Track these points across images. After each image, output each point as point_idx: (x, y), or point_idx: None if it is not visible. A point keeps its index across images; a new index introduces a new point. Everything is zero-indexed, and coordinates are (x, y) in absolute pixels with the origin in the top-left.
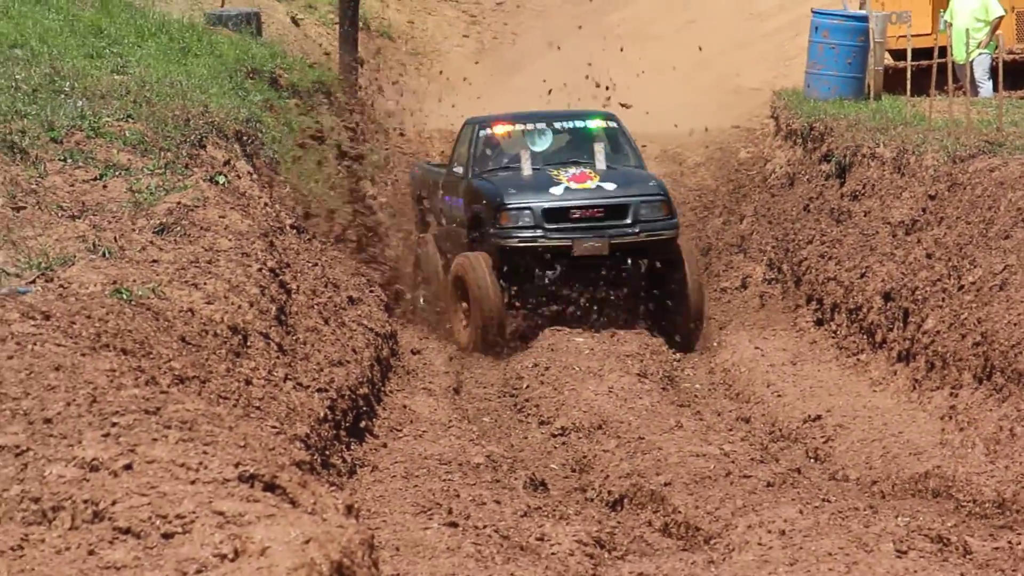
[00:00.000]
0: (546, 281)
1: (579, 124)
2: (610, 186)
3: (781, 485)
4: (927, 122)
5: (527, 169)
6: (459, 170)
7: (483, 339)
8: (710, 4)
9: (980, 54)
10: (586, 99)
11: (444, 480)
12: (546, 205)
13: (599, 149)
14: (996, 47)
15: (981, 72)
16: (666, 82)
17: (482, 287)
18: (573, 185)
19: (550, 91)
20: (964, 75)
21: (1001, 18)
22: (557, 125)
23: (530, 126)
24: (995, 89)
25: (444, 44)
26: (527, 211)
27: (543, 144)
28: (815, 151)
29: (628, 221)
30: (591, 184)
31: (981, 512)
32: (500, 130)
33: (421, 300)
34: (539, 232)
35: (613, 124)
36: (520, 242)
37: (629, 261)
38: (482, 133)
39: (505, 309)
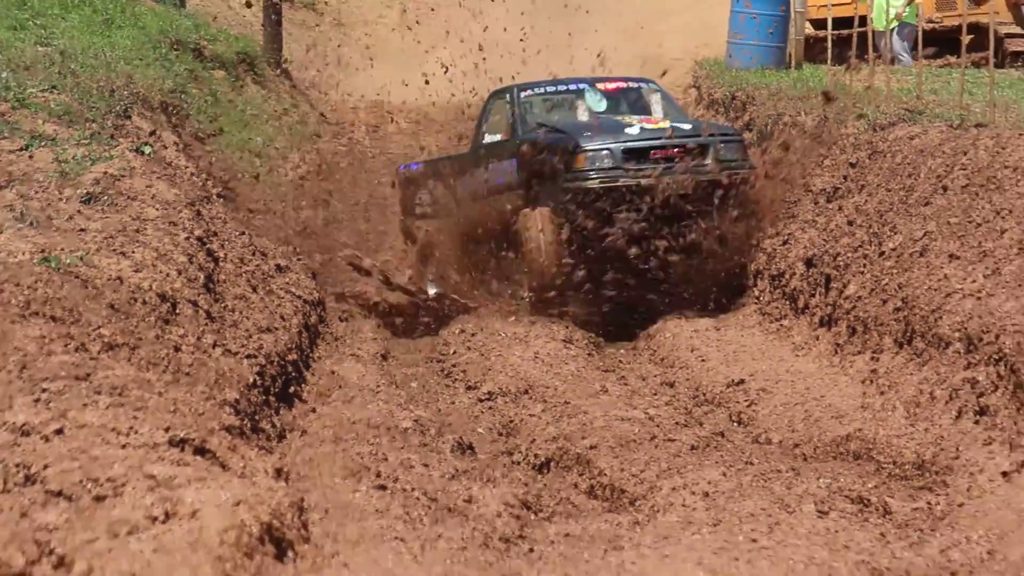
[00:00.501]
0: (627, 225)
1: (625, 85)
2: (686, 126)
3: (705, 448)
4: (848, 91)
5: (588, 117)
6: (497, 137)
7: (537, 299)
8: None
9: (900, 24)
10: (518, 65)
11: (372, 444)
12: (627, 144)
13: (655, 99)
14: (916, 16)
15: (900, 43)
16: (590, 53)
17: (536, 241)
18: (648, 126)
19: (484, 58)
20: (884, 44)
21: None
22: (600, 86)
23: (574, 87)
24: (914, 58)
25: (369, 15)
26: (606, 151)
27: (595, 104)
28: (737, 120)
29: (708, 161)
30: (664, 124)
31: (901, 474)
32: (539, 92)
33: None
34: (619, 171)
35: (655, 87)
36: (601, 183)
37: (711, 202)
38: (523, 95)
39: (561, 266)
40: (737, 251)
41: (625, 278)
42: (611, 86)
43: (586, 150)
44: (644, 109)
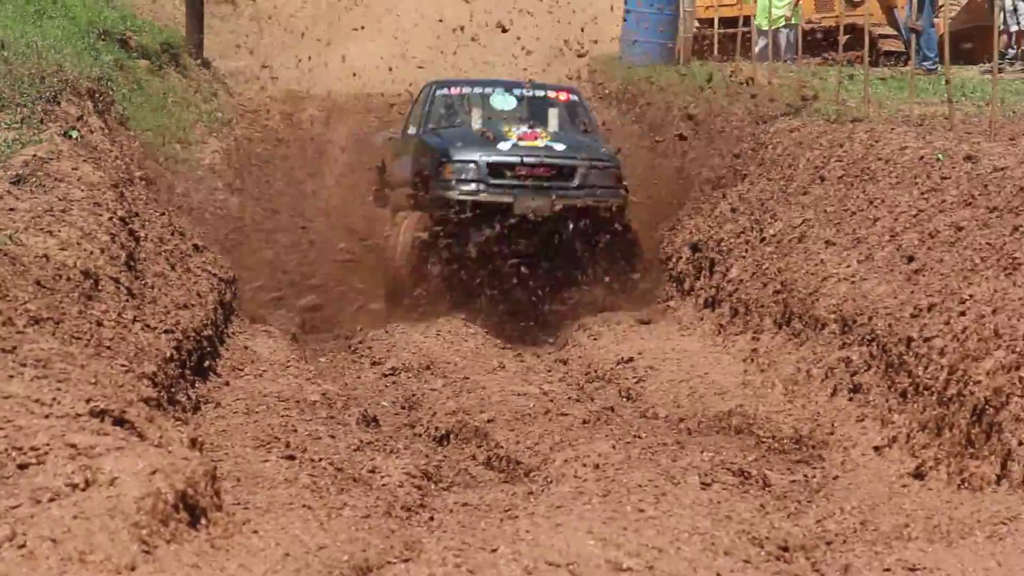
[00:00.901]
0: (483, 240)
1: (539, 92)
2: (560, 147)
3: (596, 422)
4: (733, 86)
5: (477, 125)
6: (412, 130)
7: (390, 301)
8: None
9: (782, 25)
10: (436, 55)
11: (282, 416)
12: (491, 159)
13: (554, 114)
14: (796, 17)
15: (784, 40)
16: (500, 45)
17: (398, 243)
18: (522, 143)
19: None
20: (768, 42)
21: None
22: (516, 91)
23: (489, 89)
24: (796, 56)
25: (285, 10)
26: (472, 164)
27: (504, 107)
28: (629, 112)
29: (574, 184)
30: (540, 143)
31: (779, 448)
32: (457, 91)
33: None
34: (482, 187)
35: (574, 97)
36: (461, 195)
37: (571, 226)
38: (439, 92)
39: (417, 272)
40: (603, 270)
41: (492, 285)
42: (527, 92)
43: (453, 161)
44: (545, 119)
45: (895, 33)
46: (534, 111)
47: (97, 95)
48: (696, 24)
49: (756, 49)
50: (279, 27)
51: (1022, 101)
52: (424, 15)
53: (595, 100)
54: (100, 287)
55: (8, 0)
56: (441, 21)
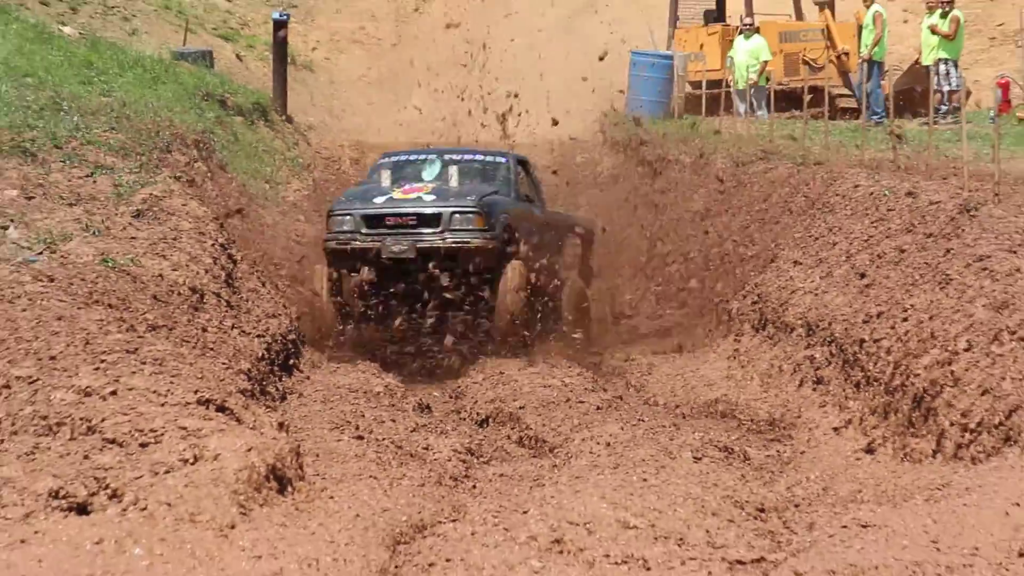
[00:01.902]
0: (360, 282)
1: (467, 157)
2: (429, 197)
3: (607, 408)
4: (717, 136)
5: (381, 183)
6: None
7: (320, 343)
8: (558, 48)
9: (755, 86)
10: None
11: (353, 404)
12: (364, 211)
13: (453, 172)
14: (768, 80)
15: (757, 98)
16: (521, 106)
17: (319, 292)
18: (397, 196)
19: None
20: (745, 100)
21: (767, 61)
22: (447, 157)
23: (423, 157)
24: (768, 111)
25: (354, 74)
26: (348, 216)
27: (431, 173)
28: (633, 157)
29: (438, 229)
30: (413, 196)
31: (757, 429)
32: (391, 159)
33: None
34: (356, 235)
35: (501, 160)
36: (337, 244)
37: (437, 268)
38: (380, 161)
39: (335, 315)
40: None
41: (393, 321)
42: (455, 157)
43: (334, 213)
44: (447, 177)
45: (850, 93)
46: (449, 174)
47: (201, 145)
48: (688, 84)
49: (737, 107)
50: (349, 88)
51: (953, 148)
52: (477, 81)
53: (606, 148)
54: (205, 300)
55: (130, 69)
56: (489, 94)
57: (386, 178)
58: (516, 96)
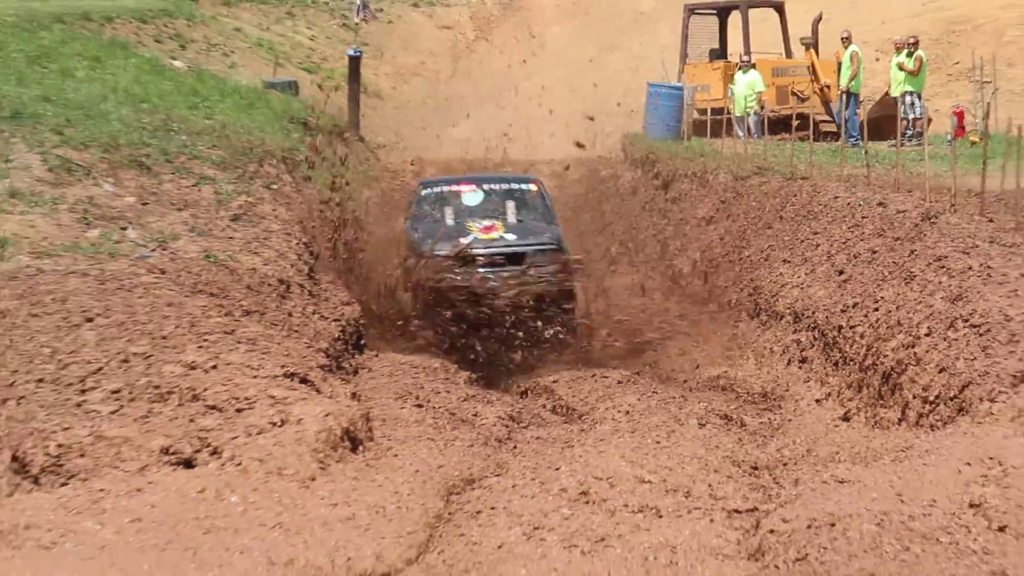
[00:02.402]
0: (458, 310)
1: (503, 186)
2: (511, 236)
3: (626, 383)
4: (720, 154)
5: (449, 221)
6: (406, 223)
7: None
8: (585, 80)
9: (753, 112)
10: (522, 132)
11: (414, 378)
12: (458, 252)
13: (510, 207)
14: (762, 107)
15: (753, 124)
16: (556, 128)
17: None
18: (481, 235)
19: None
20: (743, 125)
21: (762, 92)
22: (485, 186)
23: (462, 187)
24: (762, 134)
25: (415, 100)
26: (439, 257)
27: (475, 201)
28: (649, 172)
29: (524, 265)
30: (495, 235)
31: (752, 400)
32: (435, 189)
33: None
34: (448, 274)
35: (532, 187)
36: (433, 283)
37: (527, 299)
38: (422, 192)
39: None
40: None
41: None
42: (493, 187)
43: (424, 255)
44: (503, 211)
45: (830, 119)
46: (500, 200)
47: (288, 160)
48: (695, 112)
49: (736, 131)
50: (411, 112)
51: (916, 166)
52: (517, 106)
53: (626, 164)
54: (290, 290)
55: (229, 97)
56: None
57: (449, 214)
58: (550, 121)
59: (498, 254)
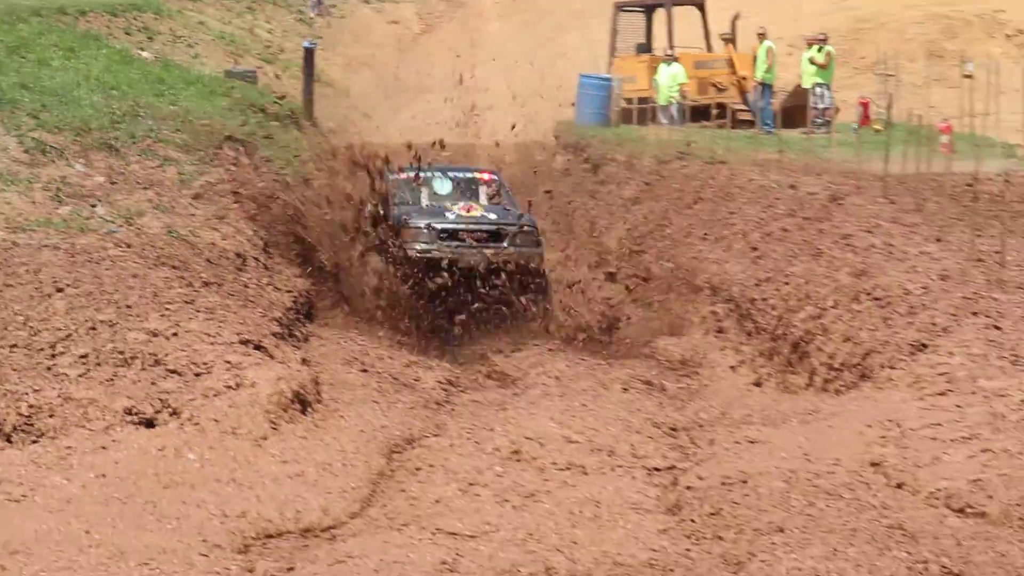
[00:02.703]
0: (439, 283)
1: (468, 175)
2: (491, 215)
3: (557, 351)
4: (645, 140)
5: (425, 203)
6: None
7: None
8: (522, 72)
9: (675, 102)
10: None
11: (360, 345)
12: (444, 225)
13: (483, 191)
14: (684, 97)
15: (676, 112)
16: (494, 116)
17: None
18: (463, 213)
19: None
20: (667, 113)
21: (684, 83)
22: (451, 175)
23: (432, 175)
24: (684, 122)
25: (362, 89)
26: (425, 229)
27: (445, 188)
28: (580, 156)
29: (504, 244)
30: (477, 213)
31: (672, 367)
32: (406, 176)
33: None
34: (434, 245)
35: (494, 177)
36: (417, 252)
37: (503, 274)
38: (392, 179)
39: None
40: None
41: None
42: (459, 175)
43: (409, 225)
44: (475, 195)
45: (747, 109)
46: (467, 188)
47: (247, 143)
48: (623, 101)
49: (660, 118)
50: (360, 100)
51: (825, 151)
52: (452, 93)
53: (559, 149)
54: (246, 263)
55: (192, 85)
56: (474, 108)
57: (425, 197)
58: (491, 109)
59: (482, 230)
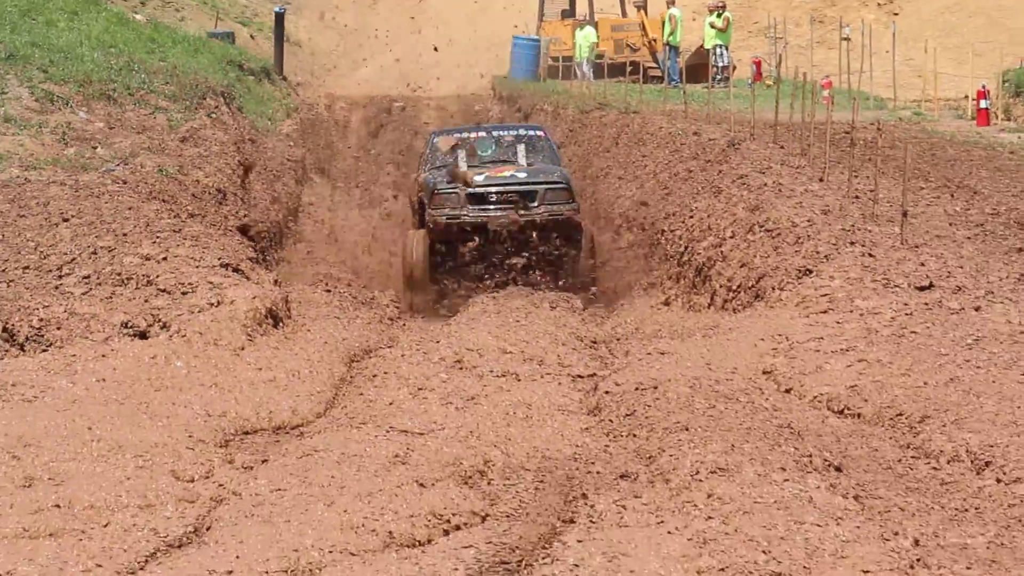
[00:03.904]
0: (468, 250)
1: (512, 133)
2: (522, 175)
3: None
4: (569, 93)
5: (462, 166)
6: (419, 170)
7: (410, 301)
8: (466, 32)
9: (592, 60)
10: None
11: (327, 269)
12: (469, 190)
13: (520, 150)
14: (601, 57)
15: (588, 68)
16: (440, 71)
17: (409, 258)
18: (494, 174)
19: (397, 59)
20: (583, 70)
21: (596, 43)
22: (495, 134)
23: (473, 135)
24: (596, 77)
25: (327, 47)
26: (454, 194)
27: (487, 148)
28: (513, 106)
29: (535, 203)
30: (507, 174)
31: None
32: (447, 138)
33: None
34: (463, 211)
35: (539, 133)
36: (448, 218)
37: (535, 235)
38: (434, 140)
39: (429, 278)
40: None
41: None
42: (502, 134)
43: (438, 191)
44: (515, 154)
45: (656, 66)
46: (510, 146)
47: (225, 95)
48: (550, 59)
49: (576, 72)
50: (324, 58)
51: (724, 103)
52: (403, 52)
53: (495, 100)
54: (227, 198)
55: (179, 44)
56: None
57: (462, 159)
58: (437, 65)
59: (512, 191)
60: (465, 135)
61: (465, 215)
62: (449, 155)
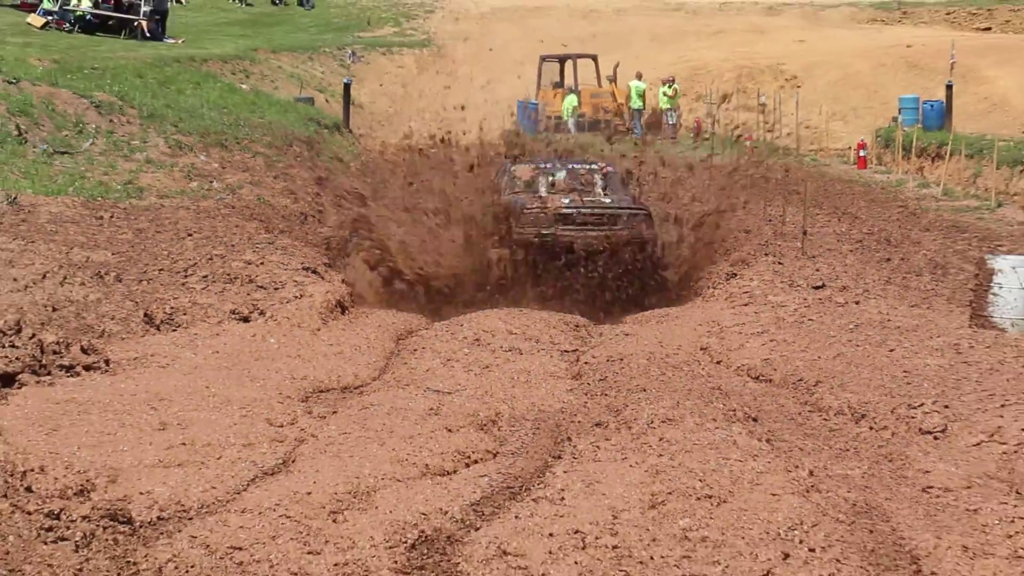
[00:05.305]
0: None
1: (586, 166)
2: (607, 200)
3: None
4: (559, 143)
5: (543, 191)
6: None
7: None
8: (481, 98)
9: (575, 119)
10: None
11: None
12: (560, 211)
13: (598, 180)
14: (582, 116)
15: (572, 125)
16: (465, 127)
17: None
18: (577, 199)
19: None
20: (569, 126)
21: (578, 107)
22: (569, 166)
23: (547, 165)
24: (580, 132)
25: (383, 106)
26: (543, 214)
27: (562, 176)
28: (513, 152)
29: (619, 226)
30: (593, 198)
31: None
32: (525, 168)
33: None
34: (552, 230)
35: (610, 169)
36: (536, 236)
37: (614, 254)
38: (510, 168)
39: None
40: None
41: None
42: (575, 167)
43: (527, 210)
44: (590, 184)
45: (623, 124)
46: (582, 177)
47: (308, 144)
48: (547, 116)
49: (567, 129)
50: (381, 116)
51: (673, 151)
52: (441, 114)
53: (504, 148)
54: (307, 219)
55: (273, 106)
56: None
57: (543, 185)
58: (463, 121)
59: (600, 214)
60: (543, 165)
61: (553, 232)
62: (530, 181)
